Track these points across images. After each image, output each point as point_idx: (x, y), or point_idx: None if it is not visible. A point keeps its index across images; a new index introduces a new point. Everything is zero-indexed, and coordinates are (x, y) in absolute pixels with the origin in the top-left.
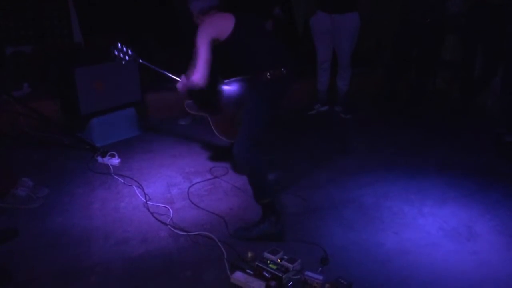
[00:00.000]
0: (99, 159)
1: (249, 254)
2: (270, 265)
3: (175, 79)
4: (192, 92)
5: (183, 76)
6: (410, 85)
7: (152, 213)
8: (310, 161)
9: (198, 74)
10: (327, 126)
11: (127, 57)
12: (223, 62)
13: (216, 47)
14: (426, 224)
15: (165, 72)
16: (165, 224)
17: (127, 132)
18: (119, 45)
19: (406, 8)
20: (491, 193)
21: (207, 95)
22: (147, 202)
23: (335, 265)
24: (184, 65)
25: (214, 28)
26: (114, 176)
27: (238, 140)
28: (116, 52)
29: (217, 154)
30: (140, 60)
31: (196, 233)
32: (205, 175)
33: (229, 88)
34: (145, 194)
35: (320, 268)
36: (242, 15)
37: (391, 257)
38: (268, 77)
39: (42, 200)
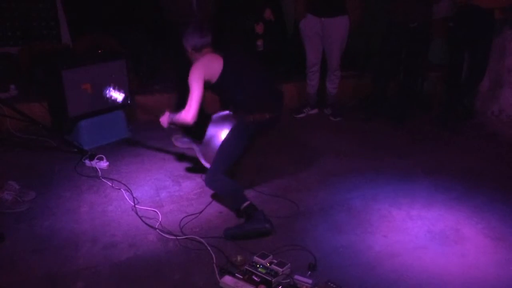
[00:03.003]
0: (87, 162)
1: (239, 258)
2: (259, 269)
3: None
4: (179, 126)
5: (167, 112)
6: (398, 88)
7: (140, 217)
8: (299, 164)
9: (190, 113)
10: (317, 129)
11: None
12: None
13: (209, 87)
14: (415, 227)
15: None
16: (154, 228)
17: (115, 135)
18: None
19: (393, 11)
20: (478, 196)
21: (195, 128)
22: (136, 205)
23: (325, 268)
24: (172, 66)
25: (206, 70)
26: (102, 179)
27: (209, 171)
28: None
29: None
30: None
31: (185, 237)
32: (194, 178)
33: (217, 119)
34: (133, 197)
35: (309, 272)
36: (232, 55)
37: (380, 260)
38: (251, 120)
39: (28, 204)
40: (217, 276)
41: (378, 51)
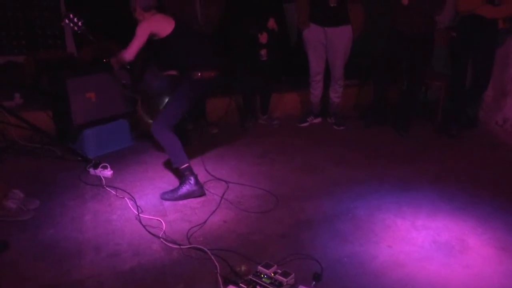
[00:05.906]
0: (91, 170)
1: (243, 268)
2: (263, 279)
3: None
4: (124, 67)
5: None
6: (401, 96)
7: (144, 226)
8: (303, 173)
9: (129, 52)
10: (320, 137)
11: (76, 28)
12: (162, 57)
13: (157, 43)
14: (419, 237)
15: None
16: (158, 237)
17: (119, 143)
18: (71, 16)
19: (398, 21)
20: (482, 206)
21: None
22: (140, 214)
23: (329, 278)
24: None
25: (157, 25)
26: (106, 188)
27: (157, 120)
28: (67, 21)
29: (210, 166)
30: (83, 28)
31: (189, 246)
32: None
33: (162, 78)
34: (137, 206)
35: (314, 282)
36: (182, 22)
37: (385, 270)
38: (199, 76)
39: (32, 212)
40: (221, 286)
41: (379, 59)
